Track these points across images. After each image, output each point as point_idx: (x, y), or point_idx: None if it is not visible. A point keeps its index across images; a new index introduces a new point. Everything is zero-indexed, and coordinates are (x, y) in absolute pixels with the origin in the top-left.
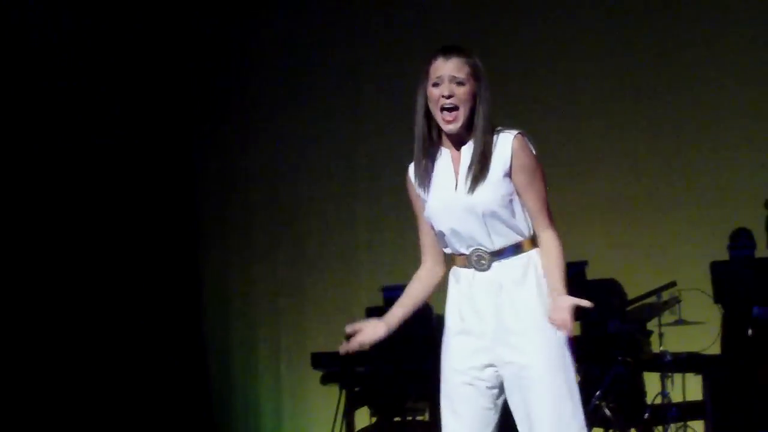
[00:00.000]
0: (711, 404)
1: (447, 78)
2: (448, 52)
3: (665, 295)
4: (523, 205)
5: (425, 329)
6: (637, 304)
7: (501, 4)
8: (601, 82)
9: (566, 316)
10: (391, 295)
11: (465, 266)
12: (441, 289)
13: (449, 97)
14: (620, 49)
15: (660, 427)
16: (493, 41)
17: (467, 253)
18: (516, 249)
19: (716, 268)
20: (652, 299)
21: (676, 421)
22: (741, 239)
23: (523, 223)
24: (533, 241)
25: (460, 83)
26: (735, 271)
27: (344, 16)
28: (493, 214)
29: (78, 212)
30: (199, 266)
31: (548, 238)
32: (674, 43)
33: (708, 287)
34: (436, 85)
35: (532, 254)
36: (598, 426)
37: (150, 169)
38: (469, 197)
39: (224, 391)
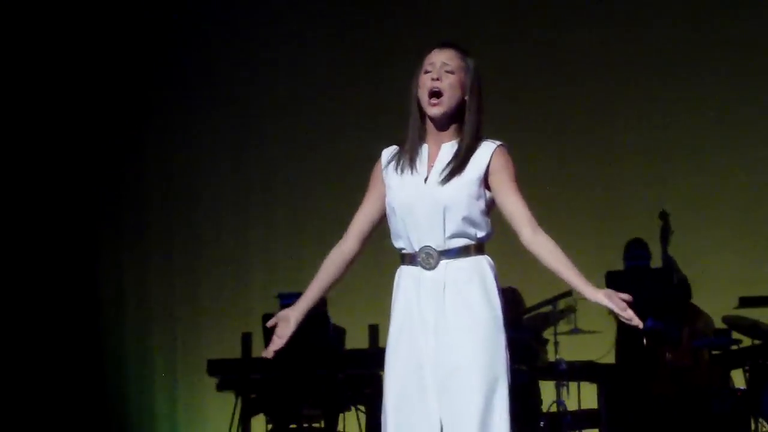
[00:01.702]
0: (606, 413)
1: (438, 64)
2: (444, 44)
3: (561, 304)
4: (486, 212)
5: (321, 337)
6: (533, 313)
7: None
8: (491, 94)
9: (626, 308)
10: (287, 302)
11: (411, 264)
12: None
13: (437, 79)
14: (505, 60)
15: None
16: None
17: (417, 249)
18: (465, 251)
19: (611, 277)
20: (548, 308)
21: (571, 429)
22: (636, 249)
23: (480, 229)
24: (482, 248)
25: (450, 71)
26: (630, 281)
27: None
28: (455, 211)
29: None
30: (95, 274)
31: (546, 239)
32: (561, 56)
33: None
34: (427, 72)
35: (480, 260)
36: None
37: (45, 175)
38: (436, 190)
39: (119, 399)
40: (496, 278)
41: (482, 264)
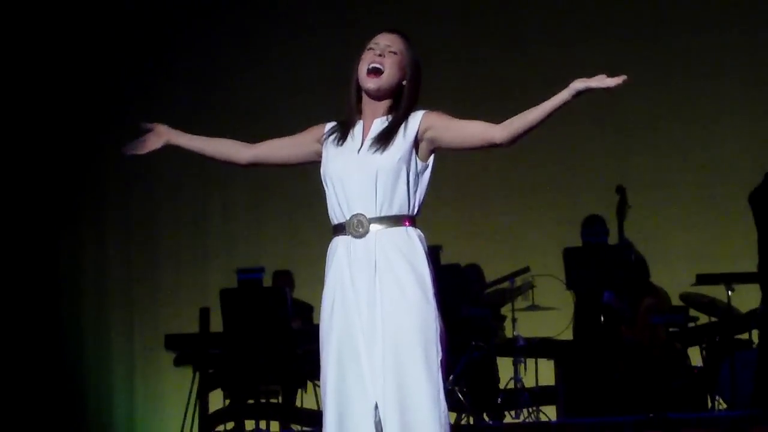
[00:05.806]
0: (563, 389)
1: (383, 45)
2: (392, 29)
3: (519, 281)
4: (417, 183)
5: (280, 313)
6: (490, 289)
7: None
8: (450, 70)
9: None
10: (246, 277)
11: (343, 234)
12: (306, 282)
13: (379, 56)
14: (460, 40)
15: (512, 412)
16: None
17: (347, 218)
18: (395, 221)
19: (569, 254)
20: (506, 284)
21: (528, 405)
22: (594, 226)
23: (410, 199)
24: (413, 220)
25: (393, 52)
26: (587, 258)
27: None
28: (387, 177)
29: None
30: (54, 250)
31: (507, 120)
32: (517, 26)
33: (561, 273)
34: (370, 49)
35: (411, 231)
36: (451, 410)
37: (3, 155)
38: (367, 157)
39: (77, 373)
40: (426, 251)
41: (412, 236)
